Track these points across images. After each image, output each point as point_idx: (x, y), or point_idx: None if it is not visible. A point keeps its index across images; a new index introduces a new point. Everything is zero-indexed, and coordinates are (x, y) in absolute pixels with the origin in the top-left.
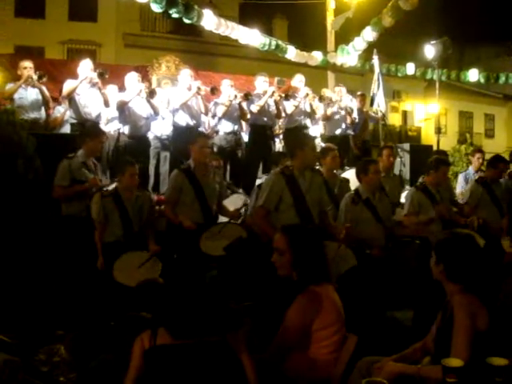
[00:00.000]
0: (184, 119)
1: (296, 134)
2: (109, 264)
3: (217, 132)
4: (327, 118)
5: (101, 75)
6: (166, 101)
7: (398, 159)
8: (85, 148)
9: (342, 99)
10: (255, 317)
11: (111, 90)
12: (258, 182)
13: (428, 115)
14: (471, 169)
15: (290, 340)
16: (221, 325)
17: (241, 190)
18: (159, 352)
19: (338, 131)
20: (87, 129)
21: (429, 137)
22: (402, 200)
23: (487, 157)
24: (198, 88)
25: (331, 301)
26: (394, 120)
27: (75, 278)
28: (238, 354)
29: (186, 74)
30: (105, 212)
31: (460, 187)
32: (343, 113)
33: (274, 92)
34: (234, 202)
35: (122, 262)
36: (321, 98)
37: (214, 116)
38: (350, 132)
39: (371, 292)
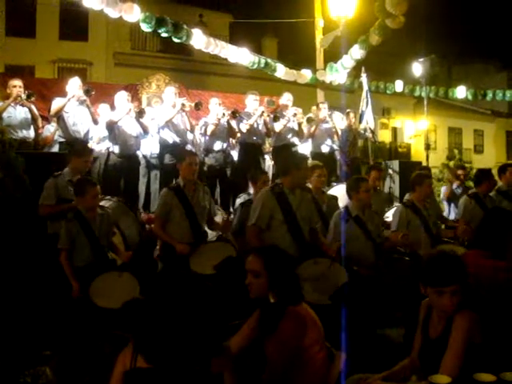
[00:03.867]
0: (170, 136)
1: (291, 153)
2: (86, 289)
3: (207, 151)
4: (311, 136)
5: (86, 92)
6: (155, 119)
7: (388, 176)
8: (71, 166)
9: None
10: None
11: (103, 108)
12: (238, 201)
13: (417, 132)
14: (454, 184)
15: (285, 365)
16: (204, 352)
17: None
18: (138, 375)
19: (324, 148)
20: (74, 147)
21: (419, 153)
22: (386, 216)
23: None
24: (183, 105)
25: (312, 319)
26: (384, 137)
27: (61, 298)
28: (223, 375)
29: (170, 91)
30: (72, 237)
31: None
32: (330, 125)
33: (263, 112)
34: None
35: (98, 286)
36: (308, 120)
37: (203, 135)
38: (336, 148)
39: (362, 309)
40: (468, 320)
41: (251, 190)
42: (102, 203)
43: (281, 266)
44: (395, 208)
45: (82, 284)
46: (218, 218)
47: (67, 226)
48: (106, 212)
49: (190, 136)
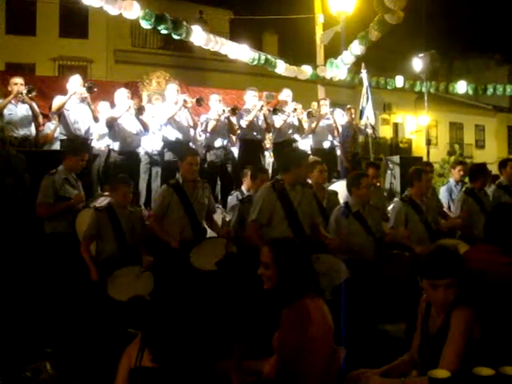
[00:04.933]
0: (173, 133)
1: (292, 150)
2: (103, 279)
3: (208, 148)
4: (312, 132)
5: (89, 89)
6: (157, 116)
7: (389, 172)
8: (65, 164)
9: (326, 110)
10: (248, 332)
11: (103, 106)
12: (230, 198)
13: (419, 127)
14: (452, 180)
15: (291, 358)
16: (210, 352)
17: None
18: (143, 374)
19: (325, 144)
20: (71, 146)
21: (420, 149)
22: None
23: None
24: (184, 101)
25: (321, 313)
26: (385, 132)
27: (62, 296)
28: (228, 375)
29: (172, 88)
30: (98, 227)
31: (445, 200)
32: (331, 121)
33: (262, 106)
34: None
35: (116, 277)
36: (309, 114)
37: (204, 131)
38: (337, 144)
39: (363, 304)
40: (466, 315)
41: (243, 187)
42: (99, 200)
43: (289, 259)
44: (393, 204)
45: (102, 276)
46: (217, 216)
47: (98, 215)
48: (137, 211)
49: (191, 132)
